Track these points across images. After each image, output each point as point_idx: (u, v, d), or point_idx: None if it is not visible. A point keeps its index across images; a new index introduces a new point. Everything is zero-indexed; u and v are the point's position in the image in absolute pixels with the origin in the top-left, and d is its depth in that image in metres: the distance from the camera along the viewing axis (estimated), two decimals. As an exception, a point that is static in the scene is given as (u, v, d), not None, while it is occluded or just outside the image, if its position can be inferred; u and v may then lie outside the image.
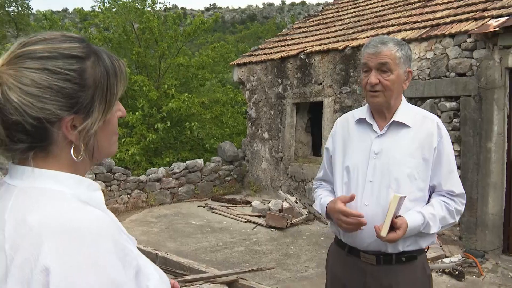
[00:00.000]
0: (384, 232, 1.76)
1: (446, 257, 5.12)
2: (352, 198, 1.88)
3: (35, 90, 0.80)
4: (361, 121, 2.10)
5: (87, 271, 0.74)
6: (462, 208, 1.99)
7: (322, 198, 2.10)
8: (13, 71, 0.80)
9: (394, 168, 1.94)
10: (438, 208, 1.93)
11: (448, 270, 4.78)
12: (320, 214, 2.12)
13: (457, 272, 4.74)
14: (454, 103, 5.78)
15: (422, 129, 1.98)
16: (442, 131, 1.99)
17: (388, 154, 1.97)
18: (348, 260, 2.05)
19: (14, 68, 0.80)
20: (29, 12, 19.58)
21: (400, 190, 1.92)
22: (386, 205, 1.92)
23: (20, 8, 18.96)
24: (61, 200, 0.82)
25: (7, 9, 18.35)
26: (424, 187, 1.96)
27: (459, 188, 1.99)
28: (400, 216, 1.86)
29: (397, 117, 1.99)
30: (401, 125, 1.99)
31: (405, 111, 2.02)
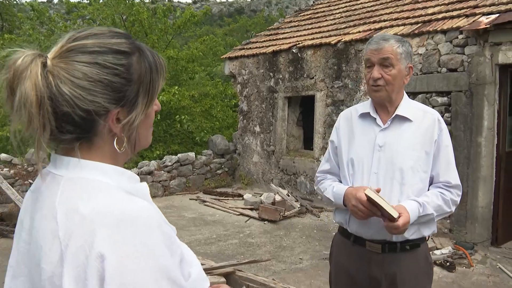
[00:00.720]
0: (395, 214, 1.80)
1: (437, 249, 5.23)
2: (377, 192, 1.92)
3: (86, 83, 0.83)
4: (364, 115, 2.17)
5: (140, 258, 0.78)
6: (458, 199, 2.07)
7: (335, 186, 2.15)
8: (64, 64, 0.83)
9: (398, 161, 2.02)
10: (433, 197, 2.00)
11: (440, 261, 4.89)
12: (332, 202, 2.15)
13: (448, 264, 4.85)
14: (445, 98, 5.89)
15: (423, 123, 2.06)
16: (442, 125, 2.08)
17: (392, 147, 2.05)
18: (353, 249, 2.12)
19: (66, 62, 0.83)
20: (15, 2, 19.25)
21: (404, 181, 2.01)
22: (391, 196, 2.00)
23: (5, -2, 18.64)
24: (109, 191, 0.85)
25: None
26: (426, 178, 2.05)
27: (455, 179, 2.07)
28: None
29: (399, 111, 2.07)
30: (403, 119, 2.07)
31: (407, 105, 2.10)
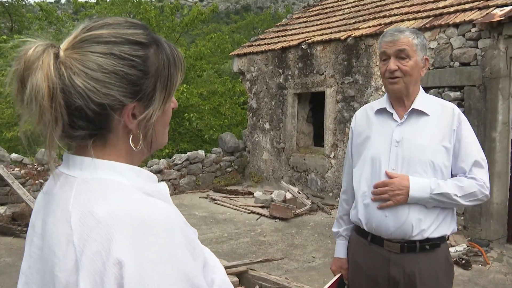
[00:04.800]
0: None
1: (451, 246, 5.15)
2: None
3: (100, 75, 0.78)
4: (380, 111, 2.11)
5: (161, 264, 0.73)
6: (486, 179, 1.95)
7: (337, 244, 2.40)
8: (78, 55, 0.78)
9: (415, 156, 1.96)
10: (450, 181, 1.92)
11: (455, 259, 4.81)
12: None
13: (463, 261, 4.78)
14: (458, 93, 5.79)
15: (441, 118, 2.00)
16: (461, 117, 2.00)
17: (409, 142, 1.98)
18: (371, 249, 2.06)
19: (80, 52, 0.78)
20: (24, 3, 19.33)
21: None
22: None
23: (14, -1, 18.72)
24: (125, 192, 0.80)
25: (0, 0, 18.11)
26: (447, 174, 1.97)
27: (481, 167, 1.96)
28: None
29: (416, 105, 2.01)
30: (420, 113, 2.01)
31: (423, 99, 2.05)
